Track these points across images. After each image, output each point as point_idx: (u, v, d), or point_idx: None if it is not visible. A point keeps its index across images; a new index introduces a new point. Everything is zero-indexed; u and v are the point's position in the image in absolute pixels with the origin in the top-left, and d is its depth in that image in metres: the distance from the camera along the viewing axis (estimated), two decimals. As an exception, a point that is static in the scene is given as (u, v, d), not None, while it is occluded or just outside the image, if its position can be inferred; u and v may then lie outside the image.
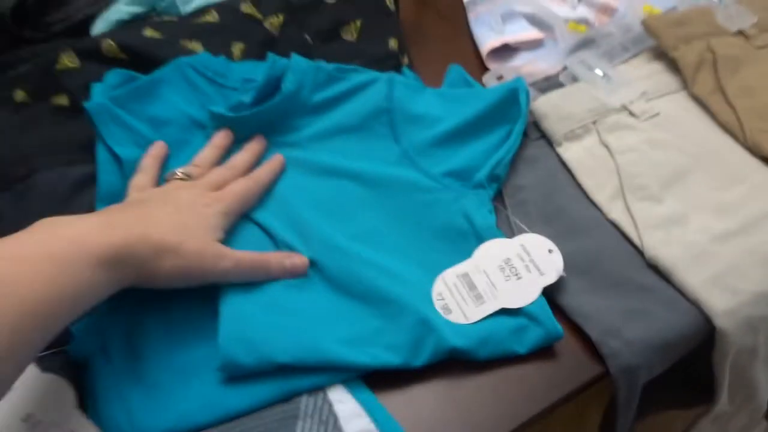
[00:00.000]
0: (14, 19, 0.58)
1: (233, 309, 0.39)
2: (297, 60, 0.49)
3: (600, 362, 0.39)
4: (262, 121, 0.48)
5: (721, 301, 0.40)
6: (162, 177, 0.45)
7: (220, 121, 0.47)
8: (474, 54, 0.64)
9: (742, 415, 0.49)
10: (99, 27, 0.61)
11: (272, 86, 0.48)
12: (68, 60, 0.54)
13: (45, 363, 0.37)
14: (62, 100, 0.53)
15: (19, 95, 0.54)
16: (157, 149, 0.47)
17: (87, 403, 0.37)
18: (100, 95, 0.48)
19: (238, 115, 0.47)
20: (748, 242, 0.43)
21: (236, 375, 0.37)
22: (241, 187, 0.44)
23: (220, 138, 0.47)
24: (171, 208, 0.40)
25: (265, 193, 0.45)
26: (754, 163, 0.47)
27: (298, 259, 0.41)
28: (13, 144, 0.49)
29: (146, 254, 0.36)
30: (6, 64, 0.56)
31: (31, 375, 0.36)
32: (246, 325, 0.38)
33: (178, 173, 0.44)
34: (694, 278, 0.41)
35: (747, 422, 0.51)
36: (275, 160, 0.47)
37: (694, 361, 0.44)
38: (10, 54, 0.56)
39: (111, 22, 0.61)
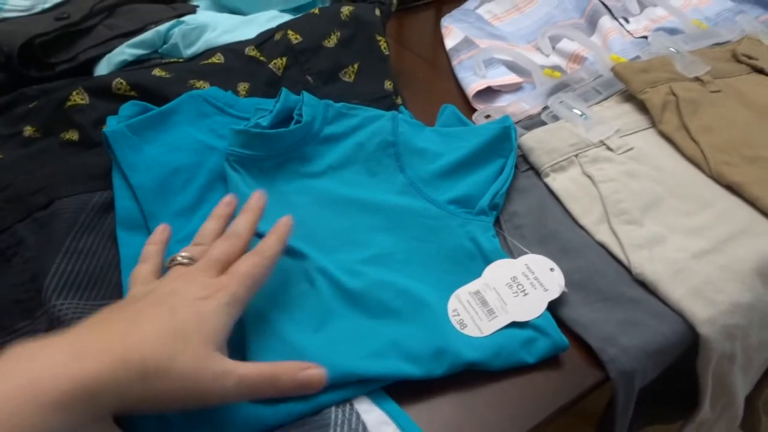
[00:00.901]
0: (21, 59, 0.59)
1: (259, 344, 0.41)
2: (308, 96, 0.53)
3: (599, 369, 0.43)
4: (280, 144, 0.50)
5: (702, 311, 0.44)
6: (165, 266, 0.42)
7: (241, 138, 0.49)
8: (457, 95, 0.70)
9: (721, 424, 0.53)
10: (102, 68, 0.64)
11: (285, 117, 0.52)
12: (78, 97, 0.56)
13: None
14: (72, 135, 0.55)
15: (28, 130, 0.56)
16: (159, 234, 0.44)
17: (124, 420, 0.37)
18: (115, 126, 0.50)
19: (261, 131, 0.49)
20: (720, 260, 0.48)
21: None
22: (248, 267, 0.39)
23: (222, 208, 0.45)
24: (165, 311, 0.35)
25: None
26: (720, 190, 0.53)
27: (315, 371, 0.37)
28: (30, 174, 0.50)
29: (128, 380, 0.31)
30: (14, 102, 0.58)
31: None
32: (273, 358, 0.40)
33: (179, 258, 0.40)
34: (677, 291, 0.45)
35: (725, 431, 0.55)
36: (283, 225, 0.43)
37: (675, 376, 0.48)
38: (17, 92, 0.58)
39: (114, 63, 0.64)
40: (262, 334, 0.41)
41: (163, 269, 0.42)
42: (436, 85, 0.72)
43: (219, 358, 0.35)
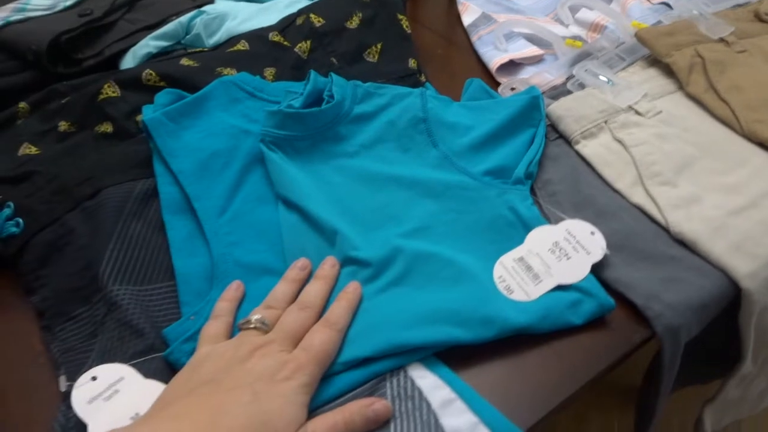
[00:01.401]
0: (48, 56, 0.60)
1: None
2: (336, 77, 0.53)
3: (645, 326, 0.43)
4: (313, 123, 0.51)
5: (743, 265, 0.45)
6: (236, 325, 0.41)
7: (275, 119, 0.50)
8: (478, 70, 0.70)
9: (762, 378, 0.54)
10: (128, 62, 0.65)
11: (315, 98, 0.52)
12: (110, 90, 0.57)
13: (145, 369, 0.40)
14: (107, 128, 0.56)
15: (63, 125, 0.57)
16: (232, 291, 0.43)
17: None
18: (152, 114, 0.51)
19: (295, 111, 0.50)
20: (757, 215, 0.48)
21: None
22: (321, 342, 0.39)
23: (296, 272, 0.44)
24: (248, 396, 0.35)
25: (324, 194, 0.48)
26: (753, 148, 0.53)
27: (380, 404, 0.38)
28: (73, 166, 0.51)
29: None
30: (47, 98, 0.59)
31: (135, 381, 0.39)
32: None
33: (253, 321, 0.40)
34: (717, 247, 0.45)
35: (765, 386, 0.56)
36: (351, 291, 0.43)
37: (711, 335, 0.49)
38: (49, 89, 0.59)
39: (139, 56, 0.64)
40: None
41: (235, 329, 0.41)
42: (455, 61, 0.73)
43: None
